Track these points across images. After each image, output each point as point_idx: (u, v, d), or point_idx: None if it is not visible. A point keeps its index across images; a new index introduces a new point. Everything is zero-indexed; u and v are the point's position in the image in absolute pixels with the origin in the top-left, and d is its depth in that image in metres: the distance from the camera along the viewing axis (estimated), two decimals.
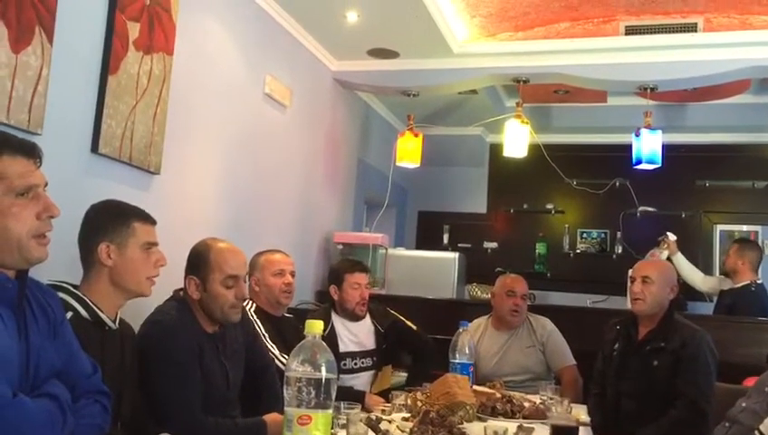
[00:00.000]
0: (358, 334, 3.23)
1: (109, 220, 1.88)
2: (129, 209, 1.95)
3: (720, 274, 4.91)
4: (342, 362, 3.09)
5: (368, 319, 3.28)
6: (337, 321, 3.20)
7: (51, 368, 1.46)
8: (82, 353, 1.59)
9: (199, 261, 2.20)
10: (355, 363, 3.18)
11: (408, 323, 3.38)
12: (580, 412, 2.59)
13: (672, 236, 4.50)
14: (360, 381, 3.19)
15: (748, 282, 4.18)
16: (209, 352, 2.17)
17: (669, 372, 2.73)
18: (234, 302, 2.18)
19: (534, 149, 4.80)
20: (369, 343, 3.26)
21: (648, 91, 4.24)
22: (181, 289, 2.24)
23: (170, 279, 2.16)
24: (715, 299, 4.48)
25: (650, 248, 4.60)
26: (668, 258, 4.39)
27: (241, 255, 2.26)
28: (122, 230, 1.87)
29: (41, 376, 1.43)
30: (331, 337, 3.08)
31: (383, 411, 2.23)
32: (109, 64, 2.52)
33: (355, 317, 3.21)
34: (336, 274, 3.25)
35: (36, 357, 1.42)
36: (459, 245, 6.10)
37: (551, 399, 2.46)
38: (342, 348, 3.13)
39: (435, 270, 4.75)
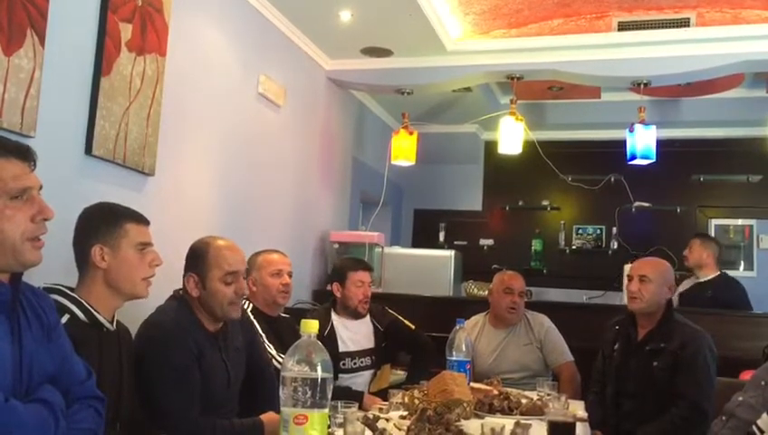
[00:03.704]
0: (357, 334, 3.22)
1: (101, 222, 1.88)
2: (121, 211, 1.94)
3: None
4: (342, 362, 3.08)
5: (367, 318, 3.27)
6: (337, 320, 3.19)
7: (44, 373, 1.45)
8: (76, 358, 1.58)
9: (198, 258, 2.20)
10: (354, 363, 3.18)
11: (406, 322, 3.38)
12: (578, 408, 2.59)
13: None
14: (360, 380, 3.18)
15: (719, 272, 4.19)
16: (210, 351, 2.16)
17: (669, 372, 2.72)
18: (233, 298, 2.18)
19: (529, 145, 4.82)
20: (369, 342, 3.25)
21: (642, 86, 4.25)
22: (181, 289, 2.24)
23: (167, 281, 2.15)
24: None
25: (646, 244, 4.57)
26: None
27: (239, 251, 2.26)
28: (114, 232, 1.86)
29: (34, 381, 1.42)
30: (330, 337, 3.08)
31: (380, 410, 2.23)
32: (101, 66, 2.52)
33: (357, 315, 3.20)
34: (339, 271, 3.24)
35: (29, 362, 1.41)
36: (455, 242, 6.13)
37: (548, 395, 2.46)
38: (342, 348, 3.13)
39: (431, 268, 4.75)
